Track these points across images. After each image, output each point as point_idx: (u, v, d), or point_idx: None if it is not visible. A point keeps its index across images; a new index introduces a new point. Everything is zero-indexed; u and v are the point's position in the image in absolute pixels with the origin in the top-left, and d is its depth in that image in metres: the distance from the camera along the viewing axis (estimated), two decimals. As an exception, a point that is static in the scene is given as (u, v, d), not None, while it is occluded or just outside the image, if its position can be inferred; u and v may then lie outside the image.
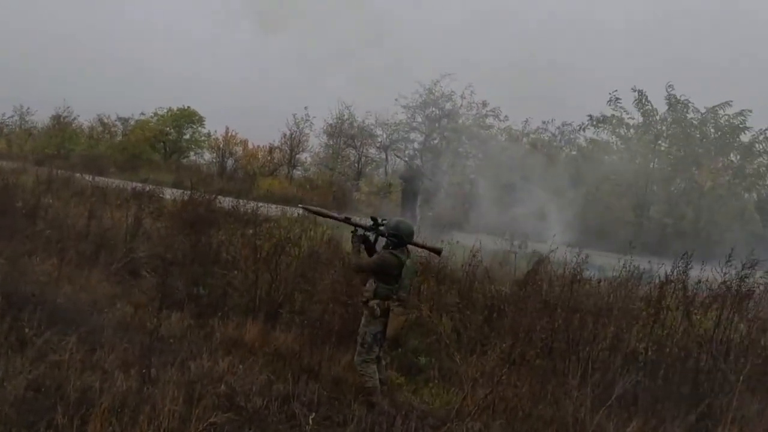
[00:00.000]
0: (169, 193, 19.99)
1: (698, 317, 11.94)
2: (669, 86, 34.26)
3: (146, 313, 11.54)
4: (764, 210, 35.97)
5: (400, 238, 9.63)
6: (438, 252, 10.25)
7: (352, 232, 9.96)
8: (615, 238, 17.72)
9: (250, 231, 15.04)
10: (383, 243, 9.82)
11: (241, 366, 9.68)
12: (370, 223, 9.95)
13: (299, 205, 12.10)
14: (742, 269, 11.95)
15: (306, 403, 8.99)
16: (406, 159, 32.55)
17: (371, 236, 9.90)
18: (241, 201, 18.48)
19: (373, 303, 9.46)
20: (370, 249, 9.94)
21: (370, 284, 9.57)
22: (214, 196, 16.99)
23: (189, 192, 16.90)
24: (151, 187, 21.12)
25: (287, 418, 8.55)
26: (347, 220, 10.18)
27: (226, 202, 17.64)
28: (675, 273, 12.72)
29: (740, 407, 9.75)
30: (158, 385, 8.36)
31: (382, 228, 9.85)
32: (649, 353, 10.98)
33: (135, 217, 15.14)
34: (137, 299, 12.28)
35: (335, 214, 10.54)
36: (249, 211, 17.87)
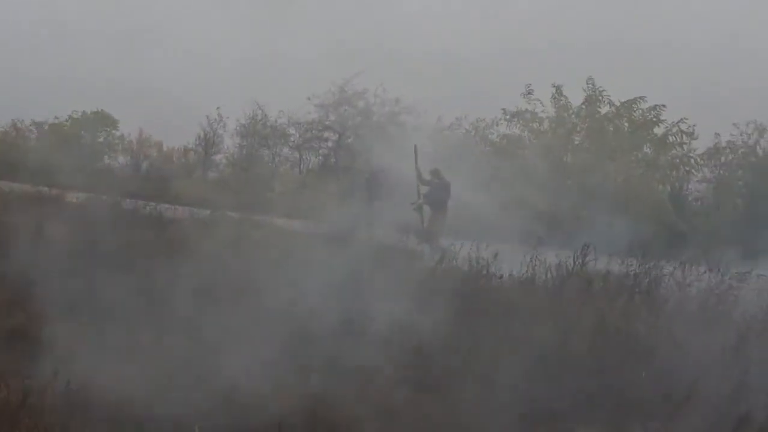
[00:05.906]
0: (75, 197, 19.54)
1: (605, 309, 12.02)
2: (589, 80, 34.57)
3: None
4: (678, 202, 36.54)
5: None
6: None
7: None
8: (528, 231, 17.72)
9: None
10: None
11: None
12: None
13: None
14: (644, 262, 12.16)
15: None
16: (320, 157, 32.59)
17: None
18: (150, 204, 18.25)
19: None
20: None
21: None
22: (121, 199, 16.74)
23: (94, 196, 16.62)
24: (56, 191, 20.58)
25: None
26: None
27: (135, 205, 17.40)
28: (576, 265, 12.85)
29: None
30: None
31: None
32: (554, 349, 10.98)
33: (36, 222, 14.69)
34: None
35: None
36: (155, 214, 17.66)
